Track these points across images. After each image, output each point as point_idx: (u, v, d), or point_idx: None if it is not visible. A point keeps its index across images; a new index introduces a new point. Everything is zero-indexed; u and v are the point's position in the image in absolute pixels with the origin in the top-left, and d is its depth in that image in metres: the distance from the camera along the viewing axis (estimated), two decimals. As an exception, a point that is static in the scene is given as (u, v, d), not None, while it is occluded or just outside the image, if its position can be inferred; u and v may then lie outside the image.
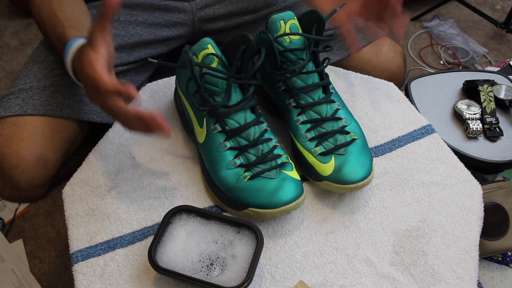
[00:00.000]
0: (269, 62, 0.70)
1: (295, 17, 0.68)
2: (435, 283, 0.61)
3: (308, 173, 0.69)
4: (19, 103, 0.71)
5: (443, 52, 1.70)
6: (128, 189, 0.70)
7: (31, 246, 1.25)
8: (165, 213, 0.63)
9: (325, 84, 0.69)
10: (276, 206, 0.61)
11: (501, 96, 1.01)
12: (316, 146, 0.67)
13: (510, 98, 1.01)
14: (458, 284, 0.61)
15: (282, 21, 0.67)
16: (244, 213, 0.64)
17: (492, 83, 1.02)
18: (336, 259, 0.63)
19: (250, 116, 0.66)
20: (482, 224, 0.68)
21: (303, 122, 0.68)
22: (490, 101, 0.99)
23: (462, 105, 1.00)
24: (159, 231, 0.60)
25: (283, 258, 0.63)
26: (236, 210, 0.64)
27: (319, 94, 0.69)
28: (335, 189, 0.65)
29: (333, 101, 0.69)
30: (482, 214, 0.69)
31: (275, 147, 0.66)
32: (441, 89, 1.05)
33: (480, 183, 0.72)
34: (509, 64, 1.25)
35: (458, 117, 1.00)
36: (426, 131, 0.77)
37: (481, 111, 0.98)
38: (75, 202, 0.68)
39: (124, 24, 0.87)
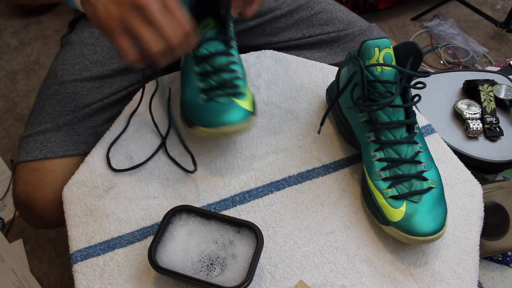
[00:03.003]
0: (355, 89, 0.66)
1: (391, 46, 0.65)
2: (435, 283, 0.61)
3: (375, 214, 0.65)
4: (38, 147, 0.76)
5: (443, 52, 1.70)
6: (126, 189, 0.70)
7: (31, 246, 1.25)
8: (164, 213, 0.63)
9: (410, 123, 0.65)
10: (215, 126, 0.66)
11: (501, 96, 1.01)
12: (389, 187, 0.63)
13: (510, 98, 1.01)
14: (459, 284, 0.61)
15: (377, 48, 0.64)
16: (193, 131, 0.69)
17: (492, 82, 1.02)
18: (336, 259, 0.63)
19: (221, 47, 0.70)
20: (482, 224, 0.68)
21: (380, 160, 0.64)
22: (490, 101, 0.99)
23: (462, 105, 1.00)
24: (159, 231, 0.60)
25: (283, 258, 0.63)
26: (189, 127, 0.70)
27: (402, 133, 0.65)
28: (401, 238, 0.61)
29: (416, 143, 0.64)
30: (482, 214, 0.68)
31: (237, 78, 0.70)
32: (441, 89, 1.05)
33: (480, 183, 0.72)
34: (509, 64, 1.25)
35: (458, 117, 1.00)
36: (426, 131, 0.77)
37: (481, 111, 0.98)
38: (73, 202, 0.68)
39: None
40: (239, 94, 0.69)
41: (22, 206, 0.76)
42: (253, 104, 0.71)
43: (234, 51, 0.72)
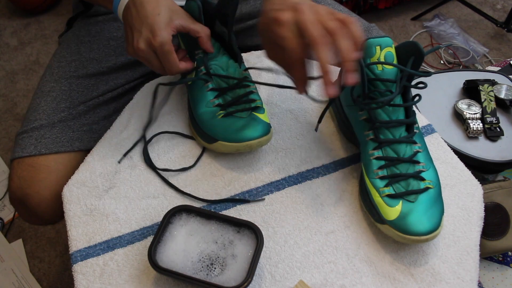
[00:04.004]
0: (356, 87, 0.66)
1: (393, 45, 0.65)
2: (435, 283, 0.61)
3: (371, 212, 0.65)
4: (33, 143, 0.76)
5: (443, 51, 1.70)
6: (126, 189, 0.70)
7: (31, 246, 1.25)
8: (164, 213, 0.63)
9: (410, 123, 0.65)
10: (241, 141, 0.67)
11: (502, 95, 1.01)
12: (386, 186, 0.63)
13: (510, 97, 1.01)
14: (459, 284, 0.61)
15: (379, 47, 0.64)
16: (214, 146, 0.71)
17: (492, 82, 1.02)
18: (337, 258, 0.63)
19: (232, 64, 0.72)
20: (483, 224, 0.68)
21: (377, 158, 0.64)
22: (491, 100, 0.99)
23: (463, 105, 1.00)
24: (159, 230, 0.60)
25: (283, 258, 0.63)
26: (208, 143, 0.71)
27: (401, 132, 0.65)
28: (396, 237, 0.61)
29: (415, 142, 0.64)
30: (482, 214, 0.68)
31: (251, 92, 0.71)
32: (441, 89, 1.05)
33: (480, 183, 0.72)
34: (510, 64, 1.25)
35: (459, 117, 1.00)
36: (426, 131, 0.77)
37: (482, 111, 0.98)
38: (72, 202, 0.68)
39: None
40: (258, 108, 0.70)
41: (17, 202, 0.77)
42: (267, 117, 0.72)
43: (243, 66, 0.74)
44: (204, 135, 0.71)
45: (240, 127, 0.68)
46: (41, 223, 0.83)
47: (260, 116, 0.70)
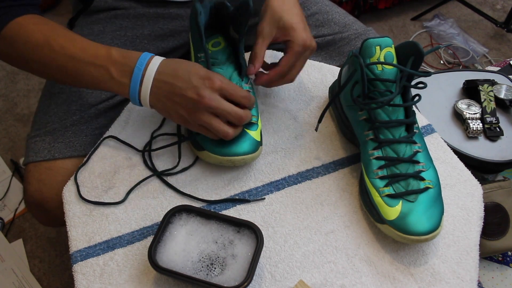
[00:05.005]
0: (356, 87, 0.66)
1: (393, 45, 0.65)
2: (435, 283, 0.61)
3: (370, 212, 0.65)
4: (47, 147, 0.77)
5: (443, 51, 1.70)
6: (126, 189, 0.70)
7: (31, 246, 1.25)
8: (163, 213, 0.63)
9: (410, 123, 0.65)
10: (224, 155, 0.67)
11: (501, 95, 1.01)
12: (386, 186, 0.63)
13: (510, 97, 1.01)
14: (458, 284, 0.61)
15: (378, 47, 0.64)
16: (201, 154, 0.71)
17: (492, 82, 1.02)
18: (336, 258, 0.63)
19: (235, 77, 0.71)
20: (482, 224, 0.68)
21: (377, 158, 0.64)
22: (491, 100, 0.99)
23: (462, 105, 1.00)
24: (159, 230, 0.60)
25: (283, 257, 0.63)
26: (197, 150, 0.71)
27: (400, 132, 0.65)
28: (396, 236, 0.61)
29: (414, 142, 0.64)
30: (482, 214, 0.68)
31: None
32: (441, 89, 1.05)
33: (480, 183, 0.72)
34: (509, 64, 1.25)
35: (458, 117, 1.00)
36: (426, 131, 0.77)
37: (481, 111, 0.98)
38: (72, 203, 0.68)
39: (132, 39, 0.86)
40: (251, 124, 0.69)
41: (34, 205, 0.77)
42: (261, 134, 0.71)
43: (246, 79, 0.72)
44: (195, 142, 0.71)
45: (229, 142, 0.67)
46: (59, 225, 0.82)
47: (251, 133, 0.69)
